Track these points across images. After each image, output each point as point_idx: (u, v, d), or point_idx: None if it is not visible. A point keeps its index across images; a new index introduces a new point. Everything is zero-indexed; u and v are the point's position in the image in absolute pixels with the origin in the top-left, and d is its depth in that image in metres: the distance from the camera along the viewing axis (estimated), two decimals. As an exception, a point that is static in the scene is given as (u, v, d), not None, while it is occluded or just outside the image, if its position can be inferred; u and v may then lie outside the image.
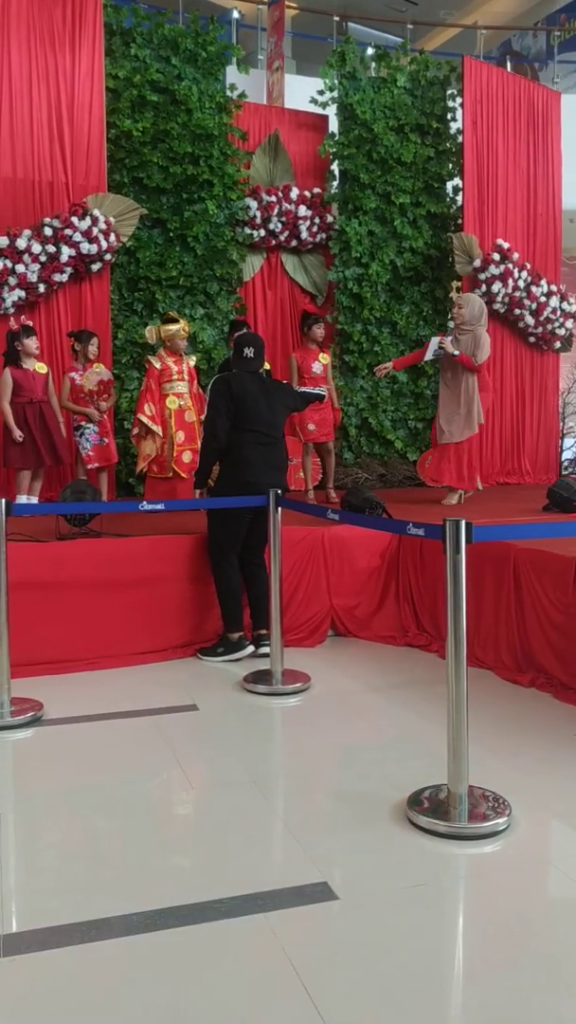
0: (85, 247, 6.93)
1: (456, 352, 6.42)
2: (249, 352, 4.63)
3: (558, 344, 9.36)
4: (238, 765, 3.21)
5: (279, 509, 4.13)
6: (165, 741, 3.42)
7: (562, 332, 9.24)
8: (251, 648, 4.54)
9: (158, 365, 6.08)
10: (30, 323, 6.08)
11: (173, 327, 6.14)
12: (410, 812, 2.68)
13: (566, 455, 9.99)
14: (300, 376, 6.71)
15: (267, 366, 6.58)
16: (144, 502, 4.36)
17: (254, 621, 4.63)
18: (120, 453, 7.26)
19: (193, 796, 2.99)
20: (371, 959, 1.99)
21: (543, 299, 8.91)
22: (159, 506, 4.39)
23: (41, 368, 5.99)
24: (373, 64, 8.75)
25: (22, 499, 5.94)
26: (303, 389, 5.65)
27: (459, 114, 8.74)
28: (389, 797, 2.85)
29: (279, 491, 4.15)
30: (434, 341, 6.61)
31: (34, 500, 6.04)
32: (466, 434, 6.51)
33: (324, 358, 6.89)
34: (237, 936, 2.08)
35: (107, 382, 6.44)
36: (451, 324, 6.61)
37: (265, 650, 4.43)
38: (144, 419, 5.98)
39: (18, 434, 5.77)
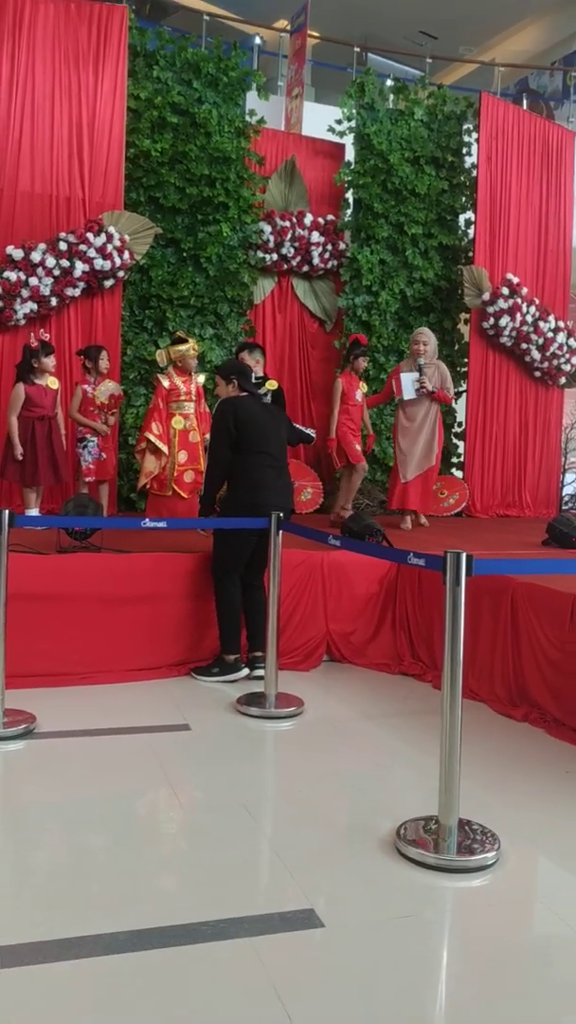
0: (99, 263, 6.99)
1: (435, 389, 6.66)
2: (253, 378, 4.68)
3: (563, 380, 9.42)
4: (228, 787, 3.21)
5: (280, 532, 4.14)
6: (156, 759, 3.41)
7: (568, 368, 9.30)
8: (246, 671, 4.54)
9: (166, 384, 6.11)
10: (48, 338, 6.10)
11: (183, 347, 6.18)
12: (399, 842, 2.68)
13: (567, 490, 10.02)
14: (343, 401, 6.83)
15: (275, 384, 6.63)
16: (147, 519, 4.37)
17: (250, 643, 4.63)
18: (123, 468, 7.29)
19: (182, 816, 2.99)
20: (355, 988, 1.99)
21: (550, 335, 8.98)
22: (161, 523, 4.40)
23: (53, 383, 6.01)
24: (391, 96, 8.86)
25: (31, 512, 5.96)
26: (298, 427, 5.69)
27: (474, 149, 8.85)
28: (378, 826, 2.84)
29: (281, 514, 4.17)
30: (407, 379, 6.69)
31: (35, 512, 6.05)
32: (431, 462, 6.80)
33: (363, 387, 7.09)
34: (222, 959, 2.08)
35: (117, 397, 6.48)
36: (421, 361, 6.65)
37: (260, 672, 4.43)
38: (152, 438, 6.00)
39: (19, 452, 5.76)
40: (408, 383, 6.68)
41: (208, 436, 5.09)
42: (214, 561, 4.62)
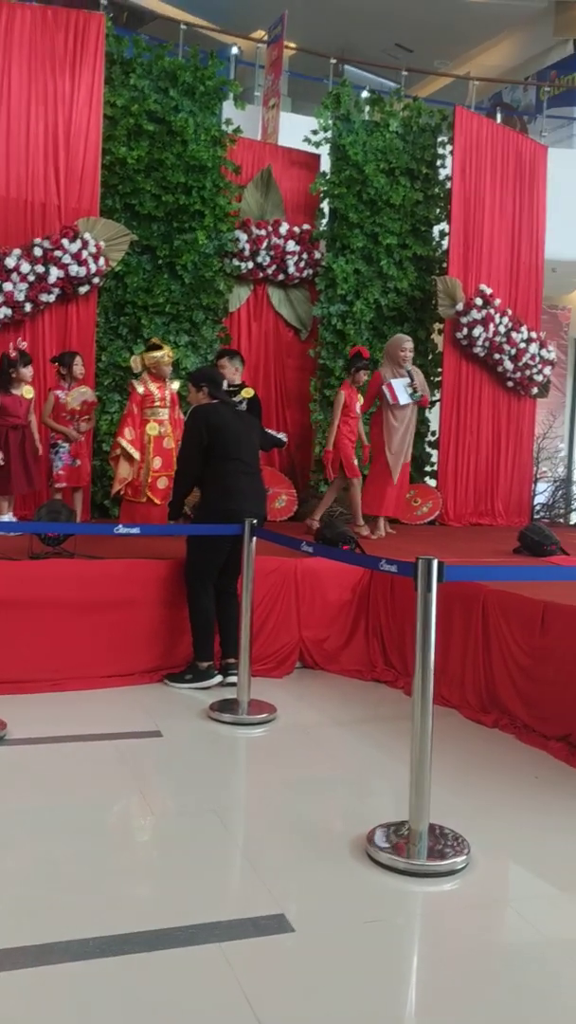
0: (74, 269, 6.98)
1: (423, 393, 6.79)
2: (224, 385, 4.70)
3: (535, 390, 9.51)
4: (199, 793, 3.21)
5: (254, 539, 4.15)
6: (127, 766, 3.40)
7: (540, 378, 9.39)
8: (219, 678, 4.54)
9: (141, 390, 6.11)
10: (25, 347, 6.07)
11: (157, 354, 6.19)
12: (370, 847, 2.69)
13: (538, 499, 10.13)
14: (344, 413, 6.79)
15: (251, 392, 6.65)
16: (120, 525, 4.36)
17: (223, 650, 4.63)
18: (96, 475, 7.26)
19: (153, 823, 2.98)
20: (324, 993, 2.00)
21: (523, 345, 9.07)
22: (135, 530, 4.40)
23: (28, 393, 6.00)
24: (367, 107, 8.93)
25: (4, 518, 5.93)
26: (270, 432, 5.70)
27: (448, 161, 8.94)
28: (349, 832, 2.85)
29: (255, 520, 4.18)
30: (399, 385, 6.72)
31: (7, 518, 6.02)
32: (407, 459, 6.91)
33: (360, 399, 7.04)
34: (191, 965, 2.08)
35: (91, 404, 6.46)
36: (409, 367, 6.74)
37: (233, 679, 4.43)
38: (124, 443, 6.00)
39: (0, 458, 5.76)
40: (401, 389, 6.74)
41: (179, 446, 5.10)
42: (187, 568, 4.61)
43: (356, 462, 6.86)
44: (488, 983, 2.08)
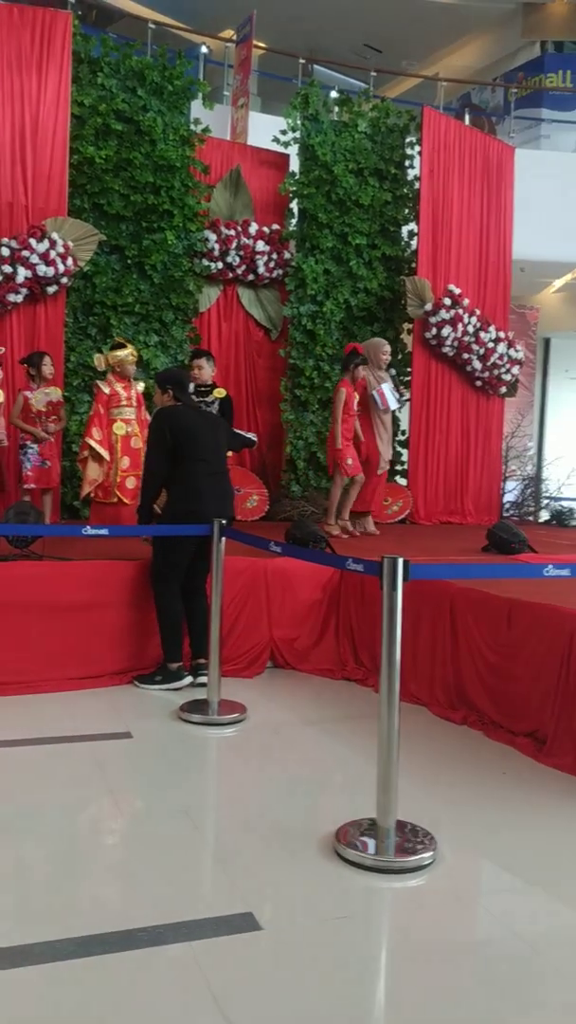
0: (42, 269, 6.95)
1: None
2: (189, 387, 4.70)
3: (503, 389, 9.59)
4: (170, 794, 3.21)
5: (223, 539, 4.16)
6: (97, 768, 3.40)
7: (508, 378, 9.48)
8: (189, 679, 4.54)
9: (107, 390, 6.10)
10: (2, 352, 6.05)
11: (121, 353, 6.17)
12: (338, 845, 2.71)
13: (507, 497, 10.21)
14: (345, 411, 6.64)
15: (223, 392, 6.65)
16: (88, 526, 4.35)
17: (193, 650, 4.63)
18: (66, 476, 7.23)
19: (123, 824, 2.98)
20: (293, 990, 2.01)
21: (491, 345, 9.15)
22: (103, 531, 4.39)
23: None
24: (336, 108, 8.96)
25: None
26: (239, 432, 5.70)
27: (417, 162, 9.00)
28: (318, 829, 2.87)
29: (223, 521, 4.19)
30: (387, 390, 6.88)
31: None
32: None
33: (357, 396, 6.93)
34: (160, 965, 2.08)
35: (56, 404, 6.42)
36: (393, 371, 6.96)
37: (203, 679, 4.43)
38: (92, 443, 5.98)
39: None
40: (389, 394, 6.93)
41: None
42: (152, 569, 4.61)
43: (350, 461, 6.75)
44: (457, 977, 2.10)
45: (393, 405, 6.94)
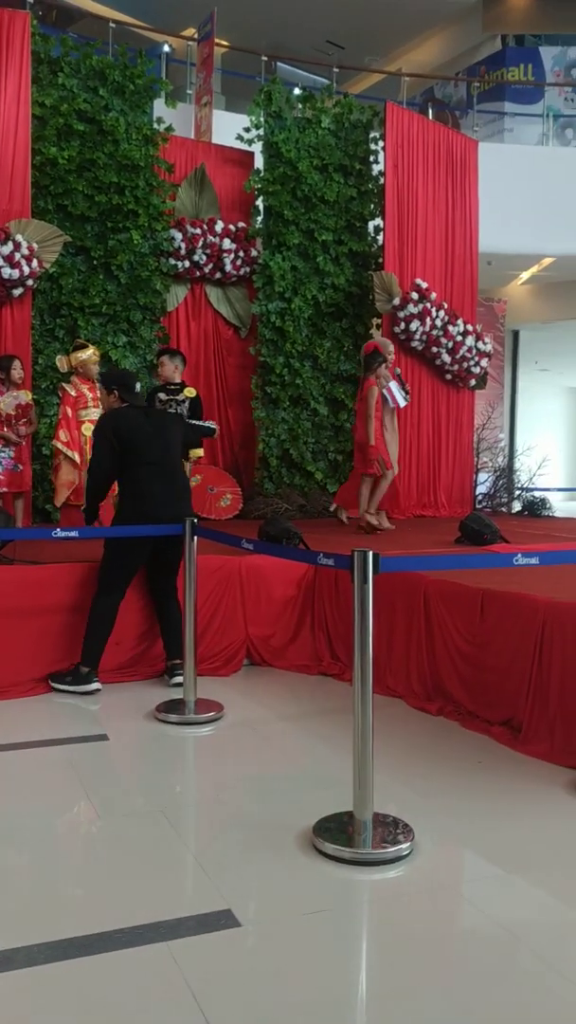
0: (6, 272, 6.88)
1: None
2: (136, 388, 4.70)
3: (473, 382, 9.65)
4: (147, 795, 3.20)
5: (195, 538, 4.15)
6: (74, 771, 3.38)
7: (477, 370, 9.53)
8: (96, 685, 4.39)
9: (73, 392, 6.07)
10: None
11: (84, 354, 6.14)
12: (316, 839, 2.71)
13: (480, 489, 10.27)
14: (376, 411, 6.91)
15: (193, 392, 6.63)
16: (58, 529, 4.32)
17: (168, 651, 4.61)
18: (37, 480, 7.18)
19: (100, 826, 2.96)
20: (273, 985, 2.01)
21: (459, 338, 9.19)
22: (73, 533, 4.37)
23: None
24: (299, 105, 8.96)
25: None
26: (196, 423, 5.67)
27: (381, 157, 9.02)
28: (296, 825, 2.87)
29: (195, 520, 4.18)
30: (395, 388, 7.05)
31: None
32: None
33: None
34: (138, 965, 2.08)
35: (26, 406, 6.36)
36: (399, 371, 7.16)
37: (178, 680, 4.42)
38: (59, 445, 5.95)
39: None
40: (397, 391, 7.07)
41: None
42: (100, 572, 4.51)
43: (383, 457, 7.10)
44: (438, 966, 2.11)
45: (402, 403, 7.09)
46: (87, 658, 4.42)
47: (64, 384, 6.17)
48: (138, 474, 4.45)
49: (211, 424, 5.72)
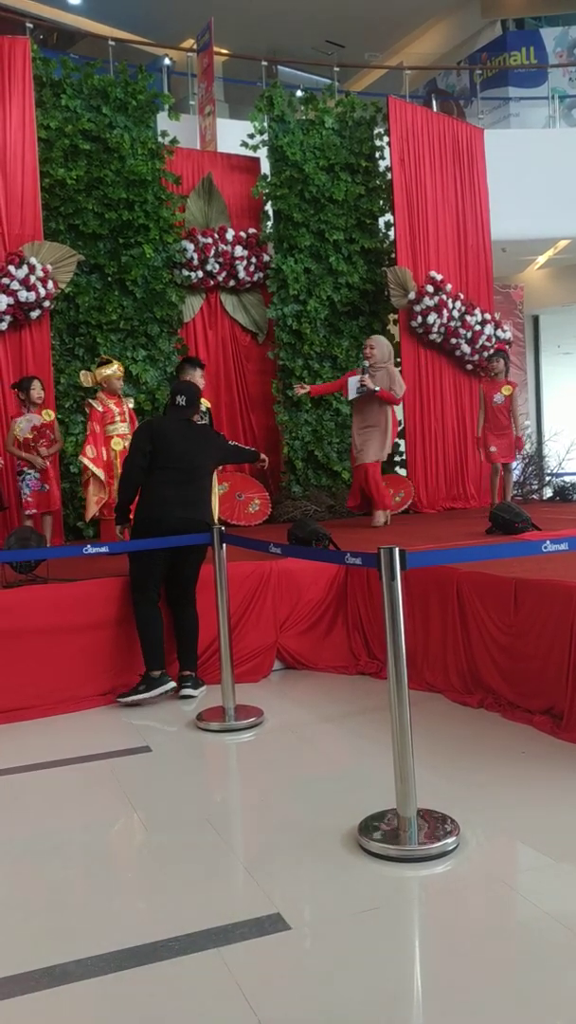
0: (23, 295, 6.97)
1: (376, 388, 6.93)
2: (181, 400, 4.76)
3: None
4: (192, 803, 3.22)
5: (224, 545, 4.17)
6: (119, 784, 3.41)
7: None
8: (172, 684, 4.48)
9: (100, 408, 6.11)
10: None
11: (108, 370, 6.19)
12: (361, 838, 2.71)
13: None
14: (485, 406, 7.58)
15: (207, 404, 6.65)
16: (88, 545, 4.36)
17: (180, 662, 4.62)
18: (67, 497, 7.25)
19: (147, 837, 2.99)
20: (325, 986, 2.01)
21: (478, 327, 9.14)
22: (103, 548, 4.41)
23: None
24: (301, 106, 8.97)
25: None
26: (242, 447, 5.68)
27: (387, 152, 8.99)
28: (342, 825, 2.87)
29: (223, 528, 4.19)
30: (352, 380, 7.05)
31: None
32: (382, 456, 7.17)
33: (507, 389, 7.60)
34: (191, 973, 2.09)
35: (41, 427, 6.32)
36: (365, 364, 7.04)
37: (187, 692, 4.47)
38: (86, 462, 6.01)
39: None
40: (353, 384, 7.03)
41: None
42: (130, 578, 4.64)
43: (493, 449, 7.71)
44: (489, 960, 2.10)
45: (351, 395, 7.11)
46: (149, 662, 4.49)
47: (90, 400, 6.23)
48: (156, 477, 4.58)
49: (253, 450, 5.58)
